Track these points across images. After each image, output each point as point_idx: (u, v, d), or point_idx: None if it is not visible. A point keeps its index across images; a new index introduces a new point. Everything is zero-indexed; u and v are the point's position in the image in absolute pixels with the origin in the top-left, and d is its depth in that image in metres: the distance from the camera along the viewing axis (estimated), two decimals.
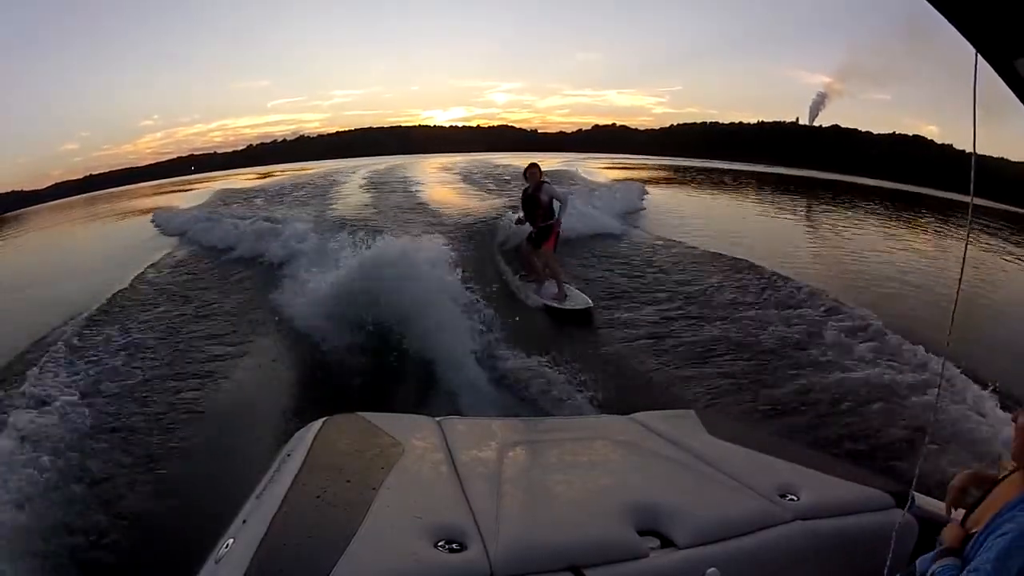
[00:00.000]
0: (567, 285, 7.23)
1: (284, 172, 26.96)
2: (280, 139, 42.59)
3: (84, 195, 31.33)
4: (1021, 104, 1.09)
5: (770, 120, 40.31)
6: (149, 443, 4.27)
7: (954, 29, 0.98)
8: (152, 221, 15.25)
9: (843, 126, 37.28)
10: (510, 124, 45.08)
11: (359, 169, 23.73)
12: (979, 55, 1.03)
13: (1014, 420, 1.31)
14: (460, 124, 46.36)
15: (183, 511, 3.38)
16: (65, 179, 33.32)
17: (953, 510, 1.41)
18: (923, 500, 1.65)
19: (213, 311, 7.31)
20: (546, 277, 7.38)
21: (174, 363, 5.71)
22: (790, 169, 30.62)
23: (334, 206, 14.39)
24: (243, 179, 26.33)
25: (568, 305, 6.88)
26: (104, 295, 7.95)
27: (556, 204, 7.14)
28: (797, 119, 38.46)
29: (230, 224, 11.49)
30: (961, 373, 4.69)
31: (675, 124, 43.80)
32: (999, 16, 0.97)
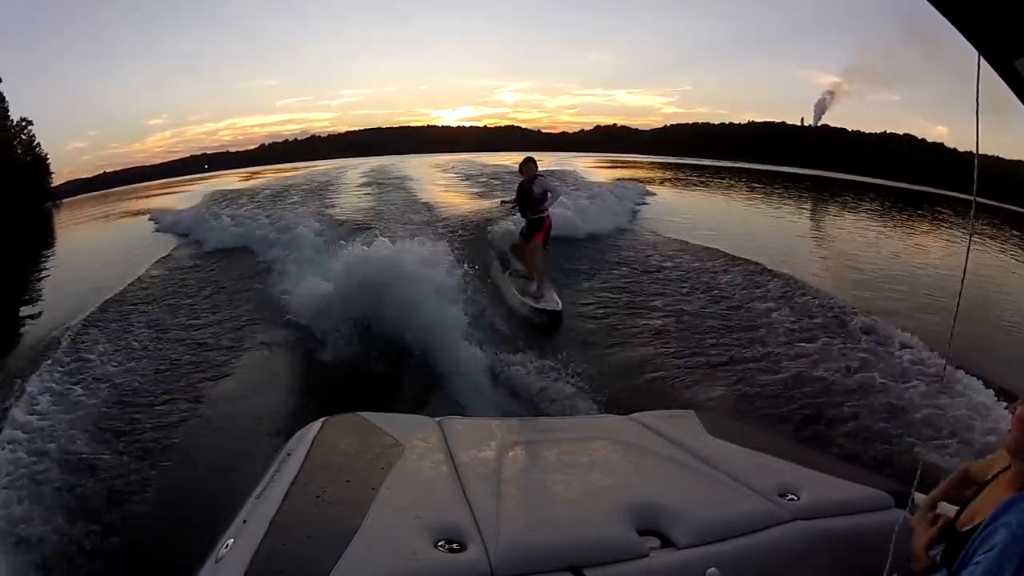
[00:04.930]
0: (547, 286, 7.19)
1: (294, 170, 27.30)
2: (291, 138, 42.93)
3: (97, 192, 31.79)
4: (1021, 104, 1.09)
5: (762, 120, 40.64)
6: (149, 443, 4.27)
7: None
8: (152, 220, 15.28)
9: (833, 125, 37.60)
10: (516, 124, 45.33)
11: (362, 166, 23.98)
12: (981, 56, 1.03)
13: (1012, 411, 1.30)
14: (468, 124, 46.55)
15: (183, 511, 3.38)
16: (78, 176, 33.49)
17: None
18: (923, 500, 1.65)
19: (213, 311, 7.32)
20: (536, 275, 7.41)
21: (174, 363, 5.72)
22: (782, 167, 30.81)
23: (335, 205, 14.41)
24: (246, 178, 26.45)
25: (541, 304, 6.82)
26: (104, 295, 7.96)
27: (549, 197, 7.19)
28: (802, 119, 38.68)
29: (230, 224, 11.50)
30: (962, 372, 4.69)
31: (670, 124, 44.37)
32: (999, 17, 0.97)
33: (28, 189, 26.16)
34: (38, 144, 28.77)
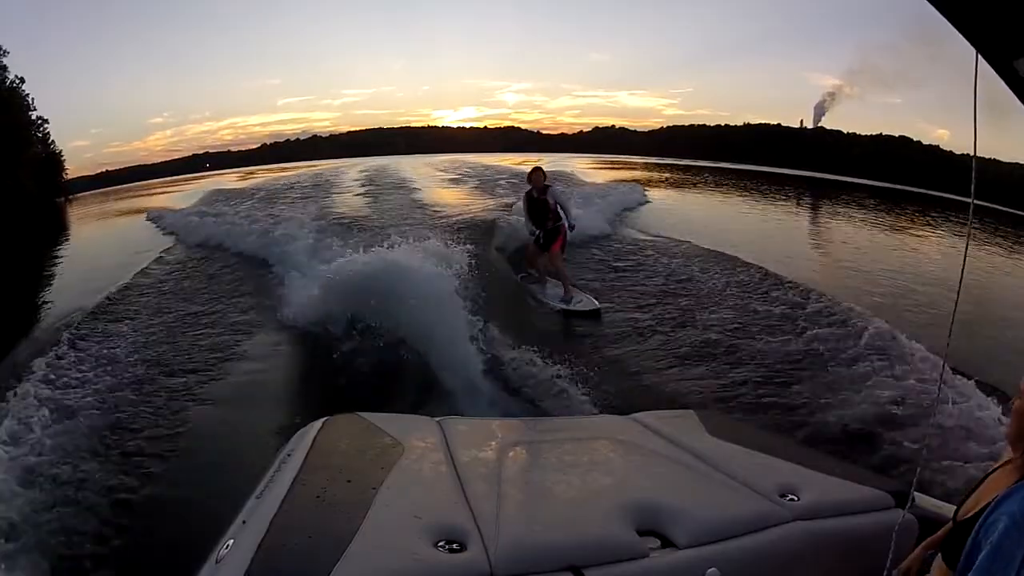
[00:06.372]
0: (575, 288, 7.31)
1: (294, 169, 27.51)
2: (292, 138, 43.30)
3: (99, 190, 32.19)
4: (1021, 104, 1.09)
5: (758, 122, 40.93)
6: (148, 443, 4.26)
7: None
8: (151, 219, 15.27)
9: (829, 128, 37.93)
10: (516, 125, 45.74)
11: (360, 165, 24.11)
12: (980, 56, 1.02)
13: (1012, 406, 1.30)
14: (468, 125, 46.94)
15: (183, 511, 3.38)
16: (79, 175, 33.95)
17: None
18: (923, 500, 1.65)
19: (212, 311, 7.30)
20: (548, 278, 7.45)
21: (172, 363, 5.71)
22: (776, 168, 30.93)
23: (333, 204, 14.39)
24: (243, 177, 26.50)
25: (578, 307, 7.00)
26: (102, 293, 7.94)
27: (562, 213, 7.25)
28: (801, 122, 38.92)
29: (229, 223, 11.50)
30: (961, 372, 4.69)
31: (667, 126, 44.88)
32: (999, 16, 0.97)
33: (44, 184, 27.80)
34: (52, 142, 30.48)
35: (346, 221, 11.16)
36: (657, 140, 42.25)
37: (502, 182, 16.95)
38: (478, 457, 1.75)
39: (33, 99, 28.19)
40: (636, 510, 1.48)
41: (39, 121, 29.26)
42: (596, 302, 7.04)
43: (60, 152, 30.60)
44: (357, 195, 16.11)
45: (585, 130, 45.40)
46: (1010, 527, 1.11)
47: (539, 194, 7.23)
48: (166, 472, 3.93)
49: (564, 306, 7.01)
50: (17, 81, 27.29)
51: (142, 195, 25.72)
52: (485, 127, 46.19)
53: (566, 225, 7.23)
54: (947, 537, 1.32)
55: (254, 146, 42.08)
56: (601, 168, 26.13)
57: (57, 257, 13.60)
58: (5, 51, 26.57)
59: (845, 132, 36.76)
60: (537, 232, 7.38)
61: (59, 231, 19.65)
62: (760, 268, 8.36)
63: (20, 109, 27.37)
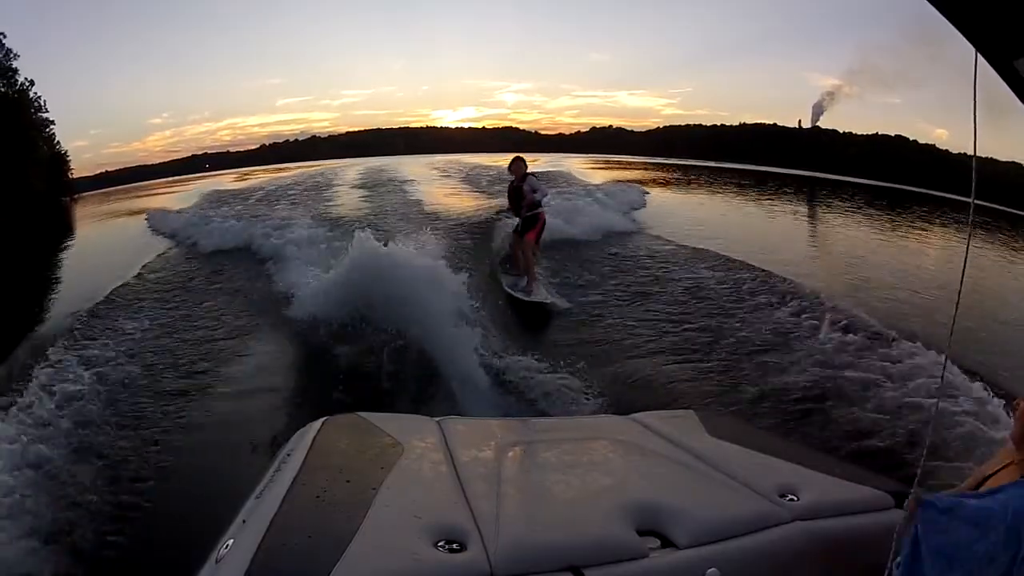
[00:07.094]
0: (537, 282, 7.36)
1: (290, 169, 27.74)
2: (291, 138, 43.27)
3: (99, 191, 32.37)
4: (1022, 104, 1.09)
5: (754, 122, 40.94)
6: (148, 443, 4.27)
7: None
8: (150, 219, 15.25)
9: (826, 127, 37.91)
10: (515, 125, 45.71)
11: (358, 165, 24.20)
12: (980, 55, 1.03)
13: (1015, 408, 1.30)
14: (467, 125, 46.85)
15: (183, 511, 3.38)
16: (80, 175, 33.93)
17: None
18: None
19: (212, 311, 7.30)
20: (526, 271, 7.51)
21: (173, 363, 5.71)
22: (771, 168, 30.95)
23: (331, 205, 14.38)
24: (240, 177, 26.54)
25: (530, 299, 7.03)
26: (102, 293, 7.94)
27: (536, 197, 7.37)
28: (799, 122, 38.89)
29: (227, 224, 11.48)
30: (962, 372, 4.69)
31: (663, 126, 45.15)
32: (999, 16, 0.97)
33: (51, 184, 28.19)
34: (58, 142, 30.74)
35: (345, 221, 11.15)
36: (654, 140, 42.32)
37: (497, 181, 17.01)
38: (478, 457, 1.75)
39: (45, 100, 28.79)
40: (636, 510, 1.48)
41: (46, 122, 29.72)
42: (548, 297, 7.07)
43: (65, 152, 31.07)
44: (356, 196, 16.10)
45: (583, 130, 45.42)
46: (1003, 505, 1.13)
47: (518, 182, 7.43)
48: (166, 472, 3.93)
49: (522, 296, 7.03)
50: (27, 83, 27.79)
51: (142, 195, 25.78)
52: (484, 127, 46.12)
53: (544, 211, 7.41)
54: None
55: (253, 147, 42.03)
56: (598, 168, 26.14)
57: (61, 256, 13.64)
58: (16, 54, 26.78)
59: (841, 132, 36.77)
60: (515, 219, 7.57)
61: (67, 228, 20.05)
62: (758, 268, 8.36)
63: (29, 110, 27.69)
